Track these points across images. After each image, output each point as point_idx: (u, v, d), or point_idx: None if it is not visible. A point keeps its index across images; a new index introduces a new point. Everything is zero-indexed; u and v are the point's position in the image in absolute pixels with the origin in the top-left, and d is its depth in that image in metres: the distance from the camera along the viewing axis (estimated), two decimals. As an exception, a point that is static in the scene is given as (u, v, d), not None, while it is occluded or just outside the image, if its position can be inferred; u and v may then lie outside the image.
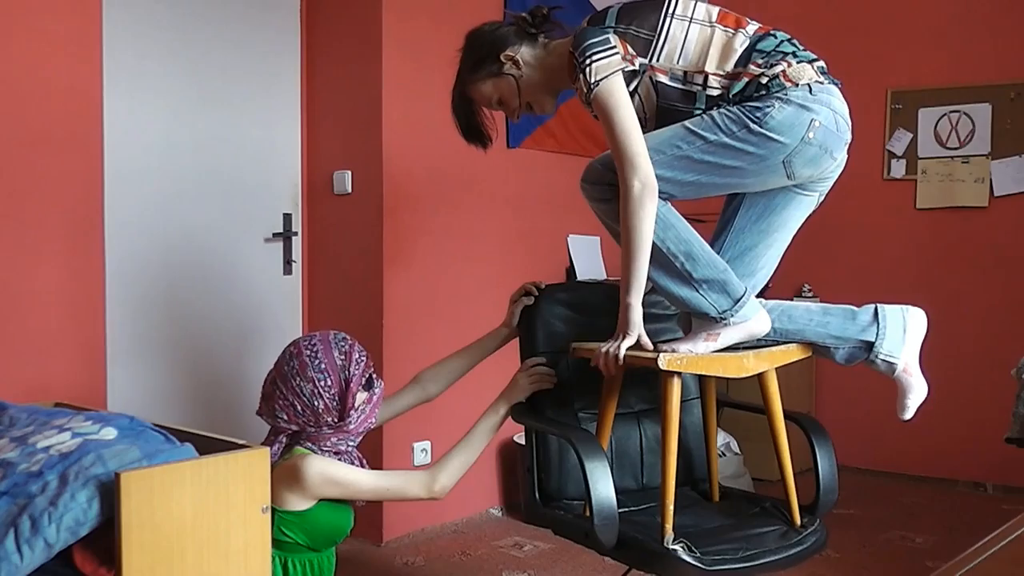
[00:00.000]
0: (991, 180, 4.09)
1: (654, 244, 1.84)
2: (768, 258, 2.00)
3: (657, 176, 1.83)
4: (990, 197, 4.10)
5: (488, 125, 2.11)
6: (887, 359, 1.95)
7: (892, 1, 4.34)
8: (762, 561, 1.83)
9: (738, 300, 1.86)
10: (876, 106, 4.33)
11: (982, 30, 4.11)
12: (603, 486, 1.75)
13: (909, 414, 2.00)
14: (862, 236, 4.40)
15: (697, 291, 1.86)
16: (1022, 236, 4.03)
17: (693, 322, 1.93)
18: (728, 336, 1.88)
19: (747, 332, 1.89)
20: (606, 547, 1.80)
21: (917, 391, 1.98)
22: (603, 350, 1.84)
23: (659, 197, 1.85)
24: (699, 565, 1.75)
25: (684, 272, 1.85)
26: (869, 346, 1.95)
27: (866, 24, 4.39)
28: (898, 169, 4.31)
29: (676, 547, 1.76)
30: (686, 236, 1.86)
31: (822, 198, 2.01)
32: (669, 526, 1.78)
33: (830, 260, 4.41)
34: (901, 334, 1.95)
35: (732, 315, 1.86)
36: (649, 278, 1.91)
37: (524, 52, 1.98)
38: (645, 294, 2.00)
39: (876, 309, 1.97)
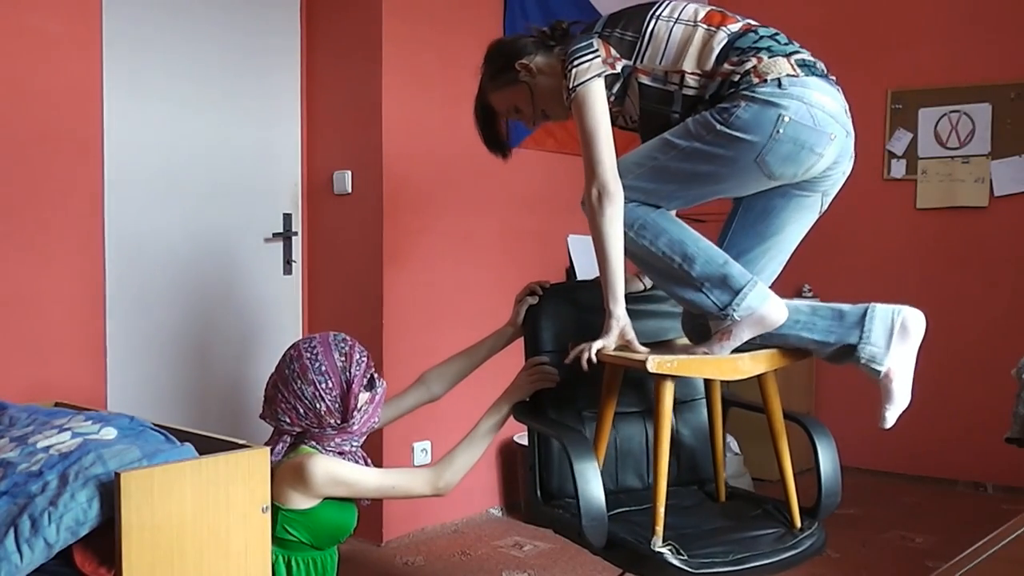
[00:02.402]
0: (991, 180, 4.08)
1: (650, 251, 1.85)
2: (766, 261, 1.95)
3: (640, 188, 1.85)
4: (990, 197, 4.09)
5: (509, 136, 2.16)
6: (868, 364, 1.83)
7: (892, 1, 4.34)
8: (752, 564, 1.82)
9: (739, 291, 1.80)
10: (876, 106, 4.33)
11: (982, 30, 4.11)
12: (592, 487, 1.76)
13: (887, 424, 1.86)
14: (862, 236, 4.40)
15: (700, 290, 1.84)
16: (1022, 236, 4.03)
17: (711, 324, 1.90)
18: (741, 332, 1.83)
19: (759, 324, 1.82)
20: (595, 547, 1.81)
21: (897, 401, 1.84)
22: (580, 347, 1.85)
23: (648, 204, 1.86)
24: (685, 568, 1.74)
25: (683, 273, 1.84)
26: (852, 349, 1.83)
27: (866, 24, 4.39)
28: (898, 169, 4.31)
29: (663, 550, 1.76)
30: (679, 237, 1.85)
31: (827, 199, 1.93)
32: (659, 528, 1.78)
33: (830, 260, 4.40)
34: (886, 339, 1.81)
35: (735, 309, 1.80)
36: (657, 284, 1.93)
37: (539, 60, 2.00)
38: (645, 294, 1.99)
39: (866, 310, 1.84)
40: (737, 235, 1.97)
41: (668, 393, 1.80)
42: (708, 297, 1.83)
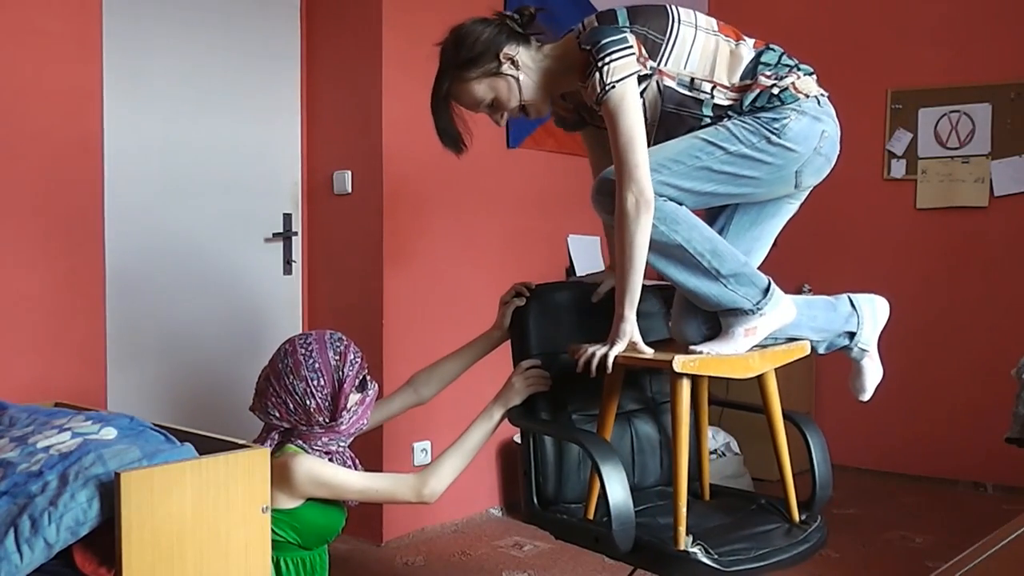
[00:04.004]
0: (991, 180, 4.08)
1: (682, 246, 1.83)
2: (756, 261, 2.02)
3: (676, 185, 1.82)
4: (990, 197, 4.10)
5: (464, 130, 2.00)
6: (863, 347, 2.07)
7: (892, 1, 4.34)
8: (774, 560, 1.83)
9: (767, 290, 1.87)
10: (876, 106, 4.32)
11: (982, 30, 4.11)
12: (620, 490, 1.74)
13: (868, 395, 2.17)
14: (862, 236, 4.39)
15: (726, 287, 1.85)
16: (1022, 236, 4.03)
17: (722, 321, 1.91)
18: (765, 327, 1.88)
19: (780, 320, 1.90)
20: (622, 551, 1.77)
21: (877, 373, 2.14)
22: (590, 351, 1.82)
23: (675, 201, 1.84)
24: (716, 567, 1.74)
25: (712, 269, 1.84)
26: (851, 335, 2.06)
27: (866, 24, 4.39)
28: (898, 169, 4.31)
29: (695, 549, 1.76)
30: (708, 234, 1.86)
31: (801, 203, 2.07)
32: (683, 528, 1.77)
33: (830, 260, 4.40)
34: (873, 323, 2.07)
35: (766, 304, 1.86)
36: (673, 280, 1.89)
37: (522, 53, 1.93)
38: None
39: (850, 299, 2.07)
40: (735, 239, 1.98)
41: (685, 392, 1.80)
42: (735, 293, 1.86)
